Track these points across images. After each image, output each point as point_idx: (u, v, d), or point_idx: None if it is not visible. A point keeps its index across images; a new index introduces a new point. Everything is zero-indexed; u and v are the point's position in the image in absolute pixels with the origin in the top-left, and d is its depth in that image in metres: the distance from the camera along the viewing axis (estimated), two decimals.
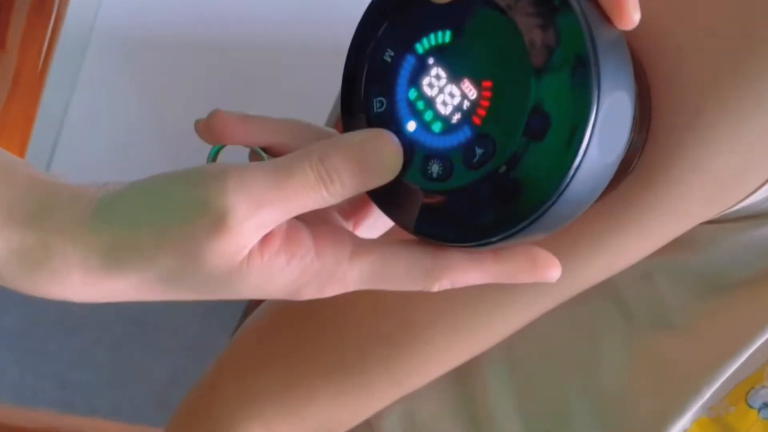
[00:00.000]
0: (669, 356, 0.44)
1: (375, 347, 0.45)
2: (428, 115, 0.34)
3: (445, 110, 0.34)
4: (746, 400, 0.44)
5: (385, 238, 0.36)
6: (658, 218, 0.39)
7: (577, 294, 0.44)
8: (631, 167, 0.38)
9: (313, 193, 0.33)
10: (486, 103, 0.33)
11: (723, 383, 0.44)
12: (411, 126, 0.35)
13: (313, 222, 0.36)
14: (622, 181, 0.39)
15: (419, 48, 0.35)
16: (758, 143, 0.37)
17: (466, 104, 0.33)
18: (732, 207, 0.39)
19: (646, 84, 0.38)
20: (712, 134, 0.37)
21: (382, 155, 0.34)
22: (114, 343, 1.54)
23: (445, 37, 0.34)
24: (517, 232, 0.32)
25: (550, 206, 0.32)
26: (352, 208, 0.39)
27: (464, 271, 0.35)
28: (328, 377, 0.46)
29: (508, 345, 0.48)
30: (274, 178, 0.33)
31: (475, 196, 0.33)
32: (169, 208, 0.33)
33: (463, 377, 0.49)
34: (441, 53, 0.34)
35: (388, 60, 0.36)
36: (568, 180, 0.31)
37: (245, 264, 0.33)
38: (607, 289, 0.45)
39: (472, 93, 0.33)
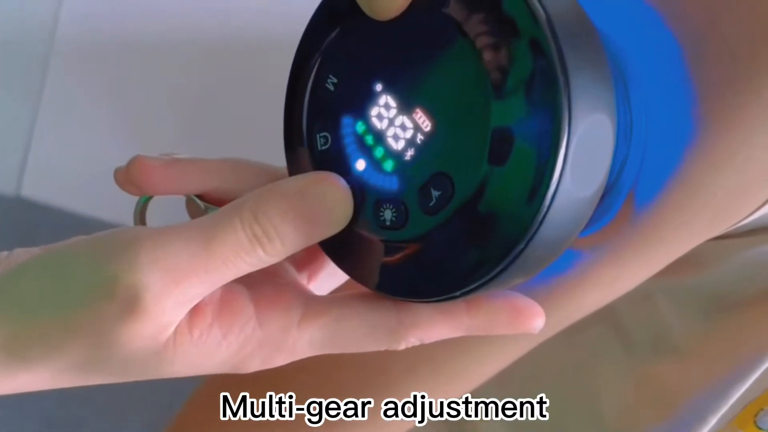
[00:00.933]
0: (672, 383, 0.43)
1: (354, 393, 0.43)
2: (378, 152, 0.31)
3: (396, 145, 0.30)
4: (755, 422, 0.43)
5: (344, 294, 0.33)
6: (657, 244, 0.37)
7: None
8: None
9: (247, 257, 0.29)
10: (442, 137, 0.29)
11: (730, 408, 0.42)
12: (360, 165, 0.31)
13: (256, 280, 0.32)
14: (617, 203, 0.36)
15: (365, 73, 0.31)
16: (764, 159, 0.35)
17: (419, 138, 0.30)
18: (738, 223, 0.38)
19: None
20: (714, 153, 0.35)
21: (327, 204, 0.30)
22: None
23: (393, 59, 0.30)
24: (482, 285, 0.29)
25: (519, 253, 0.28)
26: (307, 256, 0.35)
27: (434, 328, 0.31)
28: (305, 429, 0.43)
29: (499, 379, 0.46)
30: (196, 245, 0.29)
31: (434, 246, 0.29)
32: (74, 288, 0.30)
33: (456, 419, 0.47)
34: (390, 78, 0.30)
35: (331, 88, 0.32)
36: (537, 223, 0.27)
37: (171, 344, 0.30)
38: (604, 313, 0.43)
39: (426, 124, 0.29)
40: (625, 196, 0.36)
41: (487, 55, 0.28)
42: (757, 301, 0.41)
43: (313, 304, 0.32)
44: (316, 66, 0.32)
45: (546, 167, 0.27)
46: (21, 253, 0.31)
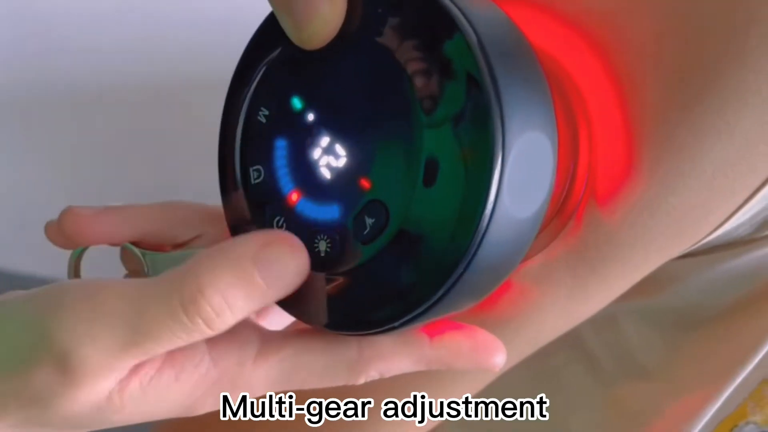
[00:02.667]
0: (642, 404, 0.42)
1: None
2: (311, 183, 0.30)
3: (329, 175, 0.30)
4: None
5: (301, 329, 0.32)
6: (612, 262, 0.37)
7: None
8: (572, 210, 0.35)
9: (188, 337, 0.28)
10: (373, 161, 0.29)
11: (706, 425, 0.42)
12: (294, 197, 0.31)
13: None
14: (565, 225, 0.36)
15: (297, 103, 0.31)
16: (720, 176, 0.34)
17: (351, 166, 0.29)
18: (701, 241, 0.37)
19: (573, 108, 0.35)
20: (662, 173, 0.34)
21: (284, 269, 0.28)
22: None
23: (325, 89, 0.30)
24: (423, 312, 0.28)
25: (458, 277, 0.27)
26: None
27: (394, 361, 0.31)
28: None
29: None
30: (128, 316, 0.28)
31: (371, 276, 0.29)
32: (5, 352, 0.29)
33: None
34: (321, 108, 0.30)
35: (263, 120, 0.31)
36: (475, 245, 0.27)
37: (116, 397, 0.29)
38: (570, 339, 0.43)
39: (358, 152, 0.29)
40: (575, 212, 0.35)
41: (419, 81, 0.28)
42: (721, 318, 0.41)
43: (268, 339, 0.31)
44: (247, 100, 0.32)
45: (481, 188, 0.27)
46: None
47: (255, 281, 0.28)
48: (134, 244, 0.34)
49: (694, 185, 0.34)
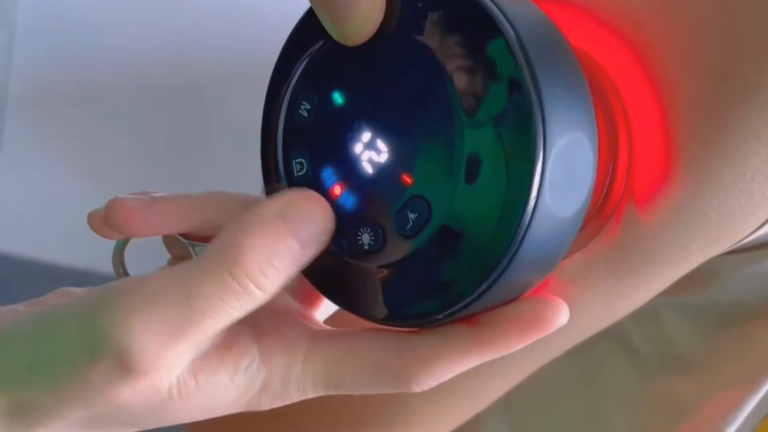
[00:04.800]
0: (684, 398, 0.43)
1: (366, 422, 0.43)
2: (353, 177, 0.31)
3: (371, 170, 0.31)
4: None
5: (349, 330, 0.33)
6: (651, 262, 0.37)
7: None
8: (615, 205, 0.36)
9: (240, 303, 0.29)
10: (414, 157, 0.30)
11: (747, 419, 0.42)
12: (337, 190, 0.31)
13: (258, 317, 0.32)
14: (604, 225, 0.36)
15: (338, 98, 0.31)
16: (759, 178, 0.35)
17: (394, 161, 0.30)
18: (742, 241, 0.38)
19: (616, 104, 0.35)
20: (700, 174, 0.35)
21: (311, 220, 0.29)
22: None
23: (365, 82, 0.31)
24: (465, 306, 0.29)
25: (501, 273, 0.28)
26: (303, 283, 0.34)
27: (444, 364, 0.31)
28: None
29: (508, 402, 0.47)
30: (179, 300, 0.28)
31: (413, 270, 0.30)
32: (58, 351, 0.29)
33: None
34: (363, 102, 0.31)
35: (305, 114, 0.32)
36: (517, 243, 0.28)
37: (176, 394, 0.30)
38: (610, 331, 0.44)
39: (399, 148, 0.30)
40: (614, 212, 0.36)
41: (459, 81, 0.29)
42: (762, 314, 0.41)
43: (317, 341, 0.31)
44: (288, 93, 0.33)
45: (523, 187, 0.28)
46: (6, 313, 0.31)
47: (286, 237, 0.29)
48: (183, 235, 0.34)
49: (732, 188, 0.35)
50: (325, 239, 0.30)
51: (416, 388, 0.31)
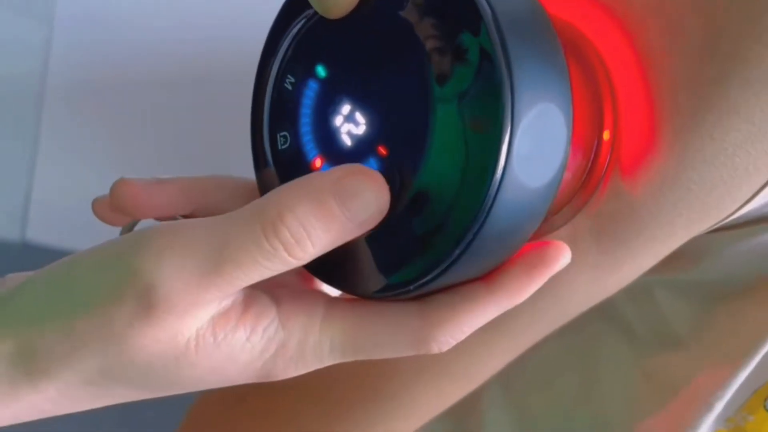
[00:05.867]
0: (676, 374, 0.43)
1: (363, 403, 0.43)
2: (334, 149, 0.32)
3: (350, 142, 0.32)
4: (765, 407, 0.43)
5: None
6: (637, 235, 0.38)
7: (570, 320, 0.43)
8: (600, 177, 0.37)
9: (268, 263, 0.28)
10: (391, 129, 0.31)
11: (737, 394, 0.43)
12: (318, 163, 0.32)
13: (276, 284, 0.32)
14: (590, 197, 0.37)
15: (321, 71, 0.32)
16: (741, 153, 0.35)
17: (370, 133, 0.31)
18: (730, 216, 0.38)
19: (603, 82, 0.36)
20: (680, 149, 0.35)
21: (365, 199, 0.29)
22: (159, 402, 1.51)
23: (348, 55, 0.32)
24: (436, 276, 0.30)
25: (471, 240, 0.29)
26: None
27: (462, 320, 0.31)
28: None
29: (505, 381, 0.47)
30: (210, 246, 0.28)
31: (390, 239, 0.30)
32: (80, 292, 0.29)
33: (461, 417, 0.48)
34: (345, 75, 0.32)
35: (289, 87, 0.33)
36: (485, 212, 0.29)
37: (193, 347, 0.29)
38: (604, 309, 0.44)
39: (377, 120, 0.31)
40: (599, 185, 0.37)
41: (435, 54, 0.30)
42: (753, 290, 0.41)
43: (334, 305, 0.32)
44: (275, 68, 0.34)
45: (490, 156, 0.28)
46: (15, 278, 0.31)
47: (333, 211, 0.28)
48: (186, 217, 0.34)
49: (714, 162, 0.35)
50: (375, 222, 0.30)
51: (435, 348, 0.31)
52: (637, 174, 0.36)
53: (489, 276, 0.31)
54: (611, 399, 0.45)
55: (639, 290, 0.43)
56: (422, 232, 0.30)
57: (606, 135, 0.36)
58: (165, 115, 1.54)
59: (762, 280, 0.41)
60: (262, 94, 0.34)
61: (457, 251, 0.29)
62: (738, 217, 0.39)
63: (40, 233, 1.52)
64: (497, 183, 0.29)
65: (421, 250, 0.30)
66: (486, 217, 0.29)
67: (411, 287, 0.31)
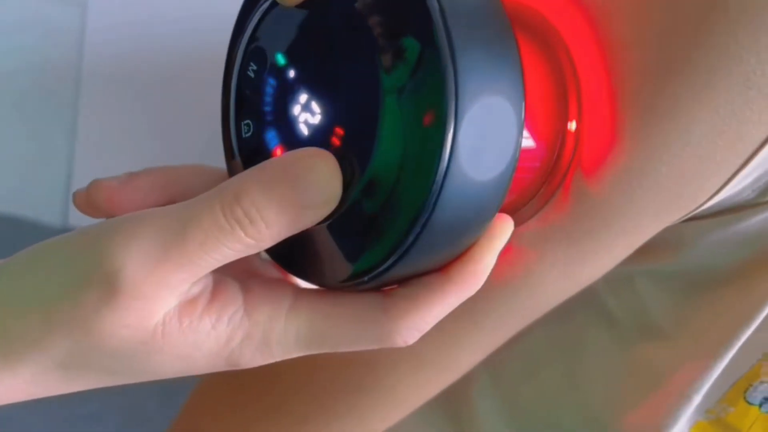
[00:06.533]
0: (656, 364, 0.43)
1: (342, 396, 0.44)
2: (293, 138, 0.32)
3: (307, 131, 0.32)
4: (745, 398, 0.43)
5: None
6: (607, 227, 0.38)
7: (551, 310, 0.43)
8: (566, 169, 0.37)
9: (227, 241, 0.29)
10: (344, 119, 0.31)
11: (716, 385, 0.43)
12: (278, 152, 0.33)
13: (246, 274, 0.33)
14: (555, 191, 0.37)
15: (280, 59, 0.33)
16: (707, 144, 0.35)
17: (325, 123, 0.31)
18: (701, 207, 0.38)
19: (568, 74, 0.36)
20: (648, 140, 0.35)
21: (314, 181, 0.29)
22: (165, 395, 1.53)
23: (305, 44, 0.32)
24: (388, 269, 0.30)
25: (418, 234, 0.29)
26: None
27: (423, 311, 0.31)
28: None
29: (494, 371, 0.47)
30: (173, 227, 0.29)
31: (344, 231, 0.31)
32: (52, 278, 0.30)
33: (452, 408, 0.48)
34: (302, 64, 0.32)
35: (252, 75, 0.33)
36: (430, 206, 0.29)
37: (159, 333, 0.30)
38: (587, 299, 0.44)
39: (331, 109, 0.31)
40: (564, 178, 0.37)
41: (384, 45, 0.30)
42: (729, 280, 0.41)
43: (301, 296, 0.32)
44: (239, 55, 0.34)
45: (435, 149, 0.29)
46: None
47: (285, 193, 0.29)
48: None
49: (681, 153, 0.35)
50: (329, 206, 0.30)
51: (400, 341, 0.31)
52: (600, 167, 0.36)
53: (447, 266, 0.32)
54: (596, 389, 0.45)
55: (620, 280, 0.43)
56: (375, 221, 0.30)
57: (571, 127, 0.36)
58: (200, 96, 1.54)
59: (740, 269, 0.41)
60: (230, 82, 0.34)
61: (409, 240, 0.30)
62: (711, 206, 0.38)
63: (82, 219, 1.55)
64: (442, 175, 0.29)
65: (374, 240, 0.30)
66: (433, 208, 0.29)
67: (366, 278, 0.31)
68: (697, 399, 0.43)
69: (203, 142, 1.47)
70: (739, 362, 0.42)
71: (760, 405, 0.43)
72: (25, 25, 1.47)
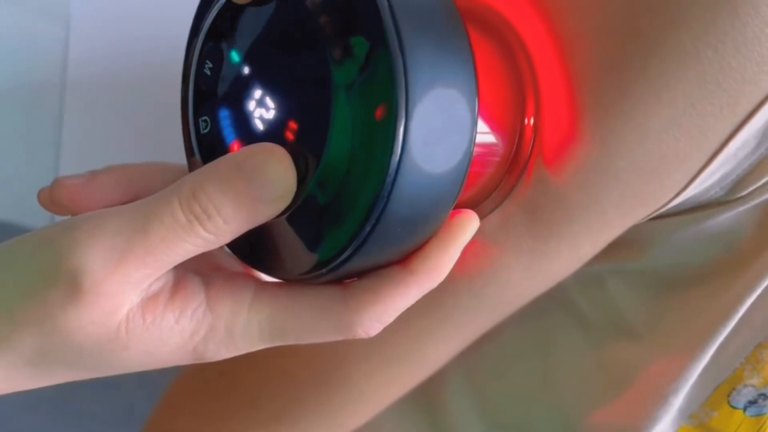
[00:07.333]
0: (630, 364, 0.43)
1: (310, 391, 0.43)
2: (249, 133, 0.32)
3: (262, 126, 0.32)
4: (729, 402, 0.42)
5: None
6: (569, 223, 0.37)
7: (521, 308, 0.42)
8: (524, 166, 0.36)
9: (187, 236, 0.29)
10: (297, 114, 0.31)
11: (698, 389, 0.42)
12: (235, 147, 0.33)
13: (209, 269, 0.33)
14: (516, 183, 0.36)
15: (235, 56, 0.33)
16: (668, 139, 0.34)
17: (279, 118, 0.31)
18: (667, 204, 0.37)
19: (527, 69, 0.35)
20: (603, 135, 0.34)
21: (266, 176, 0.29)
22: (151, 393, 1.54)
23: (258, 41, 0.32)
24: (350, 256, 0.30)
25: (373, 226, 0.29)
26: None
27: (384, 303, 0.31)
28: (264, 429, 0.44)
29: (466, 369, 0.47)
30: (134, 224, 0.29)
31: (301, 223, 0.31)
32: (18, 277, 0.30)
33: (426, 406, 0.48)
34: (256, 60, 0.32)
35: (208, 72, 0.34)
36: (383, 198, 0.29)
37: (123, 329, 0.30)
38: (558, 298, 0.44)
39: (285, 104, 0.31)
40: (524, 171, 0.36)
41: (333, 40, 0.30)
42: (701, 279, 0.40)
43: (263, 290, 0.32)
44: (196, 53, 0.34)
45: (387, 142, 0.29)
46: None
47: (239, 188, 0.29)
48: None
49: (638, 149, 0.34)
50: (283, 201, 0.30)
51: (361, 333, 0.32)
52: (560, 161, 0.35)
53: (407, 258, 0.32)
54: (567, 388, 0.44)
55: (591, 279, 0.42)
56: (331, 213, 0.30)
57: (529, 120, 0.35)
58: (177, 106, 1.56)
59: (712, 268, 0.40)
60: (188, 80, 0.35)
61: (365, 232, 0.30)
62: (679, 204, 0.38)
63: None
64: (395, 167, 0.29)
65: (331, 231, 0.30)
66: (387, 199, 0.29)
67: (324, 269, 0.31)
68: (677, 402, 0.42)
69: (181, 147, 1.49)
70: (721, 365, 0.42)
71: (745, 409, 0.42)
72: (9, 37, 1.50)
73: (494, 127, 0.35)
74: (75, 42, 1.47)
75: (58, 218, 1.62)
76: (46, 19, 1.48)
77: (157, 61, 1.53)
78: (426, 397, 0.47)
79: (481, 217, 0.36)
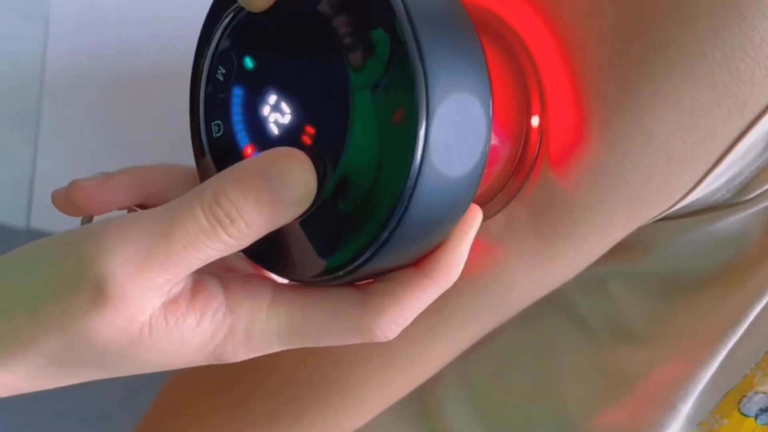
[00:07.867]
0: (634, 370, 0.42)
1: (309, 392, 0.43)
2: (263, 138, 0.33)
3: (277, 130, 0.32)
4: (739, 409, 0.41)
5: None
6: (575, 225, 0.37)
7: (522, 311, 0.42)
8: (530, 167, 0.36)
9: (209, 241, 0.30)
10: (314, 118, 0.31)
11: (707, 395, 0.41)
12: (249, 151, 0.33)
13: (226, 272, 0.34)
14: (522, 185, 0.36)
15: (249, 62, 0.33)
16: (675, 141, 0.34)
17: (295, 123, 0.32)
18: (674, 206, 0.37)
19: (531, 74, 0.35)
20: (609, 138, 0.34)
21: (288, 180, 0.30)
22: (126, 394, 1.54)
23: (272, 47, 0.33)
24: (369, 259, 0.30)
25: (393, 229, 0.30)
26: None
27: (403, 305, 0.31)
28: (261, 428, 0.44)
29: (463, 372, 0.46)
30: (156, 230, 0.30)
31: (318, 228, 0.31)
32: (41, 281, 0.30)
33: (423, 408, 0.48)
34: (270, 66, 0.33)
35: (221, 78, 0.34)
36: (404, 202, 0.29)
37: (146, 333, 0.31)
38: (558, 301, 0.43)
39: (301, 109, 0.32)
40: (530, 173, 0.36)
41: (350, 47, 0.30)
42: (707, 283, 0.40)
43: (281, 292, 0.33)
44: (208, 59, 0.35)
45: (407, 147, 0.29)
46: None
47: (262, 192, 0.29)
48: (140, 206, 0.36)
49: (645, 150, 0.34)
50: (304, 204, 0.31)
51: (381, 336, 0.32)
52: (566, 163, 0.35)
53: (422, 260, 0.32)
54: (568, 392, 0.44)
55: (592, 282, 0.42)
56: (349, 216, 0.31)
57: (535, 122, 0.35)
58: (155, 106, 1.57)
59: (718, 272, 0.40)
60: (198, 85, 0.35)
61: (383, 236, 0.30)
62: (685, 206, 0.37)
63: (43, 221, 1.60)
64: (416, 171, 0.29)
65: (349, 235, 0.31)
66: (407, 204, 0.29)
67: (341, 272, 0.31)
68: (685, 408, 0.41)
69: (158, 143, 1.50)
70: (730, 372, 0.41)
71: (756, 417, 0.41)
72: None
73: (500, 128, 0.35)
74: (54, 42, 1.48)
75: (33, 217, 1.62)
76: (26, 19, 1.48)
77: (135, 61, 1.53)
78: (421, 399, 0.47)
79: (488, 218, 0.36)
